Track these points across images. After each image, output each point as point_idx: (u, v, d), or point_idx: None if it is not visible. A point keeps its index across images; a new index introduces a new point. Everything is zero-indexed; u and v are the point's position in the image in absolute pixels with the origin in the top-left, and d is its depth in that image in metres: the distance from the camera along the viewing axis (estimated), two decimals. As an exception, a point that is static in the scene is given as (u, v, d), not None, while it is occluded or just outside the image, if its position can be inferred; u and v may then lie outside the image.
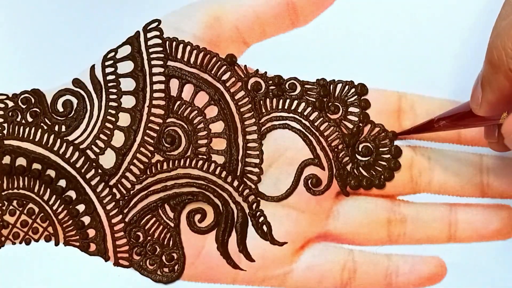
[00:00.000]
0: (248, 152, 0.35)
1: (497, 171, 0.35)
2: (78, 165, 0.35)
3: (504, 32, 0.24)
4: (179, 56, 0.35)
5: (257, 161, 0.35)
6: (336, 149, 0.36)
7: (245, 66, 0.36)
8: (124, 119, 0.35)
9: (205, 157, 0.35)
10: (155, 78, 0.35)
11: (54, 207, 0.35)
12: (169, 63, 0.35)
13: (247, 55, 0.36)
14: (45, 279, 0.35)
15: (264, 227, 0.35)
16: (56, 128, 0.35)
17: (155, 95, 0.35)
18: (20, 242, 0.35)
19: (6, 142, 0.34)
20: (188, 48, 0.35)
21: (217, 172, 0.35)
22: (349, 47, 0.36)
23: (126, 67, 0.35)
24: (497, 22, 0.25)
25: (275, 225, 0.35)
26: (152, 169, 0.35)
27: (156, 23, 0.35)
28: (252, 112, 0.36)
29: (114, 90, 0.35)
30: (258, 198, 0.35)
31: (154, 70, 0.35)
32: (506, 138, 0.25)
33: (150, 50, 0.35)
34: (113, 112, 0.35)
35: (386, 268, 0.35)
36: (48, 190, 0.35)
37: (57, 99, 0.35)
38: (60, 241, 0.35)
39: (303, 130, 0.36)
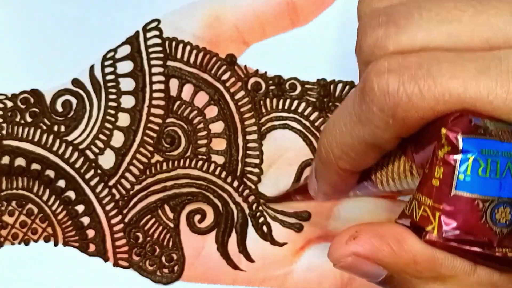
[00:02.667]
0: (248, 152, 0.35)
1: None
2: (77, 166, 0.35)
3: (328, 130, 0.24)
4: (178, 56, 0.35)
5: (257, 161, 0.35)
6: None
7: (245, 66, 0.36)
8: (124, 119, 0.35)
9: (205, 157, 0.35)
10: (154, 78, 0.35)
11: (53, 208, 0.35)
12: (169, 63, 0.35)
13: (247, 55, 0.36)
14: (44, 280, 0.35)
15: (264, 228, 0.35)
16: (56, 128, 0.35)
17: (155, 95, 0.35)
18: (19, 243, 0.35)
19: (5, 142, 0.34)
20: (188, 48, 0.35)
21: (217, 173, 0.35)
22: (350, 47, 0.36)
23: (125, 67, 0.35)
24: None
25: (275, 225, 0.35)
26: (151, 169, 0.35)
27: (156, 23, 0.35)
28: (252, 112, 0.36)
29: (114, 90, 0.35)
30: (258, 199, 0.35)
31: (154, 70, 0.35)
32: None
33: (150, 50, 0.35)
34: (113, 112, 0.35)
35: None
36: (47, 190, 0.35)
37: (56, 99, 0.35)
38: (59, 242, 0.35)
39: (304, 130, 0.36)
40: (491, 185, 0.21)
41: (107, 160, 0.35)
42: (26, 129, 0.35)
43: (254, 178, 0.35)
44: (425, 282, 0.22)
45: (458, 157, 0.21)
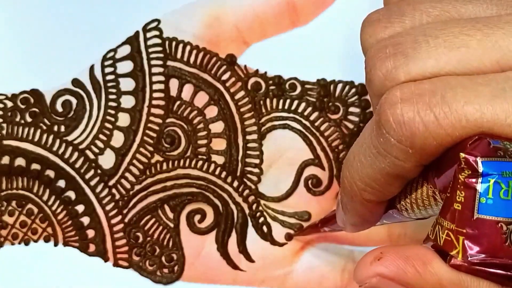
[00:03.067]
0: (248, 152, 0.35)
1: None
2: (77, 166, 0.35)
3: (349, 163, 0.24)
4: (178, 56, 0.35)
5: (257, 161, 0.35)
6: (336, 150, 0.35)
7: (245, 66, 0.36)
8: (124, 119, 0.35)
9: (205, 157, 0.35)
10: (154, 78, 0.35)
11: (53, 208, 0.35)
12: (169, 63, 0.35)
13: (247, 55, 0.36)
14: (44, 280, 0.35)
15: (264, 228, 0.35)
16: (55, 128, 0.35)
17: (155, 95, 0.35)
18: (19, 243, 0.35)
19: (5, 142, 0.34)
20: (188, 48, 0.35)
21: (217, 173, 0.35)
22: (350, 47, 0.36)
23: (125, 67, 0.35)
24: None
25: (275, 225, 0.35)
26: (151, 169, 0.35)
27: (156, 23, 0.35)
28: (252, 112, 0.36)
29: (114, 90, 0.35)
30: (258, 199, 0.35)
31: (154, 70, 0.35)
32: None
33: (150, 50, 0.35)
34: (113, 112, 0.35)
35: (387, 269, 0.35)
36: (47, 190, 0.35)
37: (56, 99, 0.35)
38: (59, 242, 0.35)
39: (303, 130, 0.36)
40: None
41: (107, 160, 0.35)
42: (26, 129, 0.35)
43: (254, 178, 0.35)
44: None
45: (479, 180, 0.20)
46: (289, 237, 0.35)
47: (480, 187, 0.20)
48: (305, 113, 0.36)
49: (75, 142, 0.35)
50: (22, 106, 0.35)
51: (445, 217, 0.21)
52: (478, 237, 0.21)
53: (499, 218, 0.20)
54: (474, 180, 0.21)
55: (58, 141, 0.35)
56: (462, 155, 0.21)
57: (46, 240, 0.35)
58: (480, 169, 0.20)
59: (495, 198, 0.20)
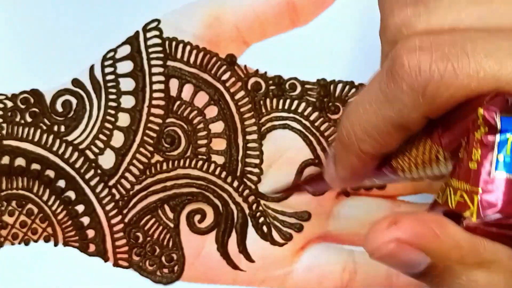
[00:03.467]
0: (248, 152, 0.35)
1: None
2: (77, 166, 0.34)
3: (351, 111, 0.24)
4: (178, 56, 0.35)
5: (257, 161, 0.35)
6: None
7: (245, 66, 0.36)
8: (124, 119, 0.35)
9: (204, 157, 0.35)
10: (154, 78, 0.35)
11: (53, 208, 0.35)
12: (169, 63, 0.35)
13: (247, 55, 0.36)
14: (44, 280, 0.35)
15: (264, 228, 0.35)
16: (55, 128, 0.35)
17: (155, 95, 0.35)
18: (19, 243, 0.35)
19: (5, 142, 0.34)
20: (188, 48, 0.35)
21: (217, 173, 0.35)
22: (349, 47, 0.36)
23: (125, 67, 0.35)
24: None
25: (275, 225, 0.35)
26: (151, 169, 0.35)
27: (156, 23, 0.35)
28: (252, 112, 0.36)
29: (114, 90, 0.35)
30: (258, 199, 0.35)
31: (154, 70, 0.35)
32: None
33: (150, 50, 0.35)
34: (113, 112, 0.35)
35: (387, 269, 0.35)
36: (47, 190, 0.34)
37: (56, 99, 0.35)
38: (59, 242, 0.35)
39: (304, 131, 0.36)
40: None
41: (107, 160, 0.35)
42: (26, 129, 0.35)
43: (254, 178, 0.35)
44: (469, 269, 0.21)
45: (497, 137, 0.20)
46: (285, 237, 0.35)
47: (497, 144, 0.20)
48: (305, 113, 0.36)
49: (75, 142, 0.35)
50: (22, 106, 0.35)
51: (458, 177, 0.21)
52: (494, 196, 0.20)
53: None
54: (492, 137, 0.20)
55: (58, 141, 0.35)
56: (481, 110, 0.20)
57: (46, 240, 0.35)
58: (499, 125, 0.20)
59: None
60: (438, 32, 0.21)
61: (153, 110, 0.35)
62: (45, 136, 0.35)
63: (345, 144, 0.24)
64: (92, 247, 0.35)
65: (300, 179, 0.35)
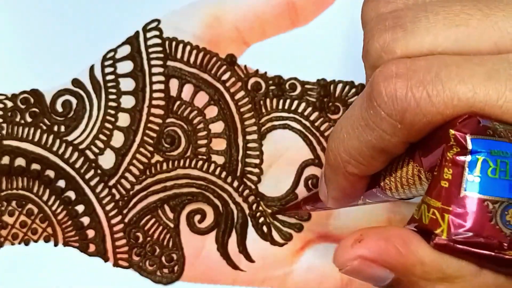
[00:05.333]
0: (248, 152, 0.35)
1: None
2: (77, 166, 0.35)
3: (335, 134, 0.24)
4: (178, 56, 0.35)
5: (257, 161, 0.35)
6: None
7: (245, 66, 0.36)
8: (124, 119, 0.35)
9: (205, 157, 0.35)
10: (154, 78, 0.35)
11: (53, 208, 0.35)
12: (169, 63, 0.35)
13: (247, 55, 0.36)
14: (44, 280, 0.35)
15: (264, 228, 0.35)
16: (55, 128, 0.35)
17: (155, 95, 0.35)
18: (19, 243, 0.35)
19: (5, 142, 0.34)
20: (188, 48, 0.35)
21: (217, 173, 0.35)
22: (349, 47, 0.36)
23: (125, 67, 0.35)
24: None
25: (275, 225, 0.35)
26: (151, 169, 0.35)
27: (156, 23, 0.35)
28: (252, 112, 0.36)
29: (114, 90, 0.35)
30: (258, 199, 0.35)
31: (154, 70, 0.35)
32: None
33: (150, 50, 0.35)
34: (113, 112, 0.35)
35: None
36: (47, 190, 0.35)
37: (56, 99, 0.35)
38: (59, 242, 0.35)
39: (304, 131, 0.36)
40: (501, 186, 0.20)
41: (107, 160, 0.35)
42: (26, 129, 0.35)
43: (254, 178, 0.35)
44: (432, 284, 0.21)
45: (467, 158, 0.20)
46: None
47: (467, 164, 0.20)
48: (305, 113, 0.36)
49: (75, 142, 0.35)
50: (22, 106, 0.35)
51: (431, 195, 0.21)
52: (464, 215, 0.20)
53: (485, 197, 0.20)
54: (462, 157, 0.20)
55: (58, 141, 0.35)
56: (452, 131, 0.21)
57: (46, 240, 0.35)
58: (469, 146, 0.20)
59: (483, 176, 0.20)
60: (416, 56, 0.22)
61: (153, 110, 0.35)
62: (45, 136, 0.35)
63: (333, 167, 0.25)
64: (92, 247, 0.35)
65: (300, 178, 0.35)
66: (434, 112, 0.21)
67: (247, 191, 0.35)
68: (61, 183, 0.35)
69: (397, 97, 0.21)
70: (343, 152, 0.24)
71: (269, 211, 0.35)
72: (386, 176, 0.24)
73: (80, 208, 0.35)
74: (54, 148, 0.35)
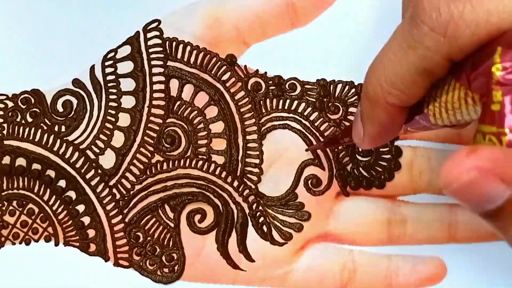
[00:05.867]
0: (248, 152, 0.35)
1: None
2: (78, 165, 0.35)
3: (375, 65, 0.24)
4: (179, 56, 0.35)
5: (257, 161, 0.35)
6: (336, 150, 0.35)
7: (245, 66, 0.36)
8: (124, 119, 0.35)
9: (205, 157, 0.35)
10: (155, 78, 0.35)
11: (54, 208, 0.35)
12: (169, 63, 0.35)
13: (247, 55, 0.36)
14: (45, 280, 0.35)
15: (264, 228, 0.35)
16: (56, 128, 0.35)
17: (155, 95, 0.35)
18: (20, 243, 0.35)
19: (6, 142, 0.34)
20: (188, 48, 0.35)
21: (217, 173, 0.35)
22: (349, 47, 0.36)
23: (126, 67, 0.35)
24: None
25: (275, 225, 0.35)
26: (152, 169, 0.35)
27: (156, 23, 0.35)
28: (252, 112, 0.36)
29: (114, 90, 0.35)
30: (258, 199, 0.35)
31: (154, 70, 0.35)
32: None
33: (150, 50, 0.35)
34: (113, 112, 0.35)
35: (386, 269, 0.35)
36: (48, 190, 0.35)
37: (57, 100, 0.35)
38: (60, 242, 0.35)
39: (303, 131, 0.36)
40: None
41: (107, 160, 0.35)
42: (27, 129, 0.35)
43: (254, 178, 0.35)
44: None
45: None
46: (286, 237, 0.35)
47: None
48: (305, 113, 0.36)
49: (76, 142, 0.35)
50: (23, 106, 0.35)
51: (484, 121, 0.20)
52: None
53: None
54: (509, 76, 0.20)
55: (58, 141, 0.35)
56: (499, 49, 0.20)
57: (47, 240, 0.35)
58: None
59: None
60: None
61: (153, 110, 0.35)
62: (45, 136, 0.35)
63: (372, 99, 0.24)
64: (92, 247, 0.35)
65: (300, 178, 0.35)
66: (478, 22, 0.20)
67: (247, 191, 0.35)
68: (62, 183, 0.35)
69: (440, 10, 0.21)
70: (384, 81, 0.23)
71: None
72: (430, 101, 0.24)
73: (80, 208, 0.35)
74: (55, 148, 0.35)
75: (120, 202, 0.35)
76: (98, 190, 0.35)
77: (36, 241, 0.35)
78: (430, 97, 0.24)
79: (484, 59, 0.21)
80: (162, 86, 0.35)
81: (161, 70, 0.35)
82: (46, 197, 0.35)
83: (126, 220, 0.35)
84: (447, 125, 0.24)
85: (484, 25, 0.20)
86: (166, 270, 0.35)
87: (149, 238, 0.35)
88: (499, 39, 0.20)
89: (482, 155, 0.19)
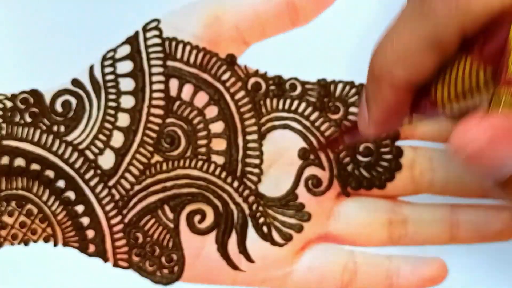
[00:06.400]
0: (248, 152, 0.35)
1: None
2: (77, 166, 0.34)
3: (383, 41, 0.24)
4: (178, 56, 0.35)
5: (257, 161, 0.35)
6: (336, 150, 0.35)
7: (245, 66, 0.36)
8: (123, 119, 0.35)
9: (204, 157, 0.35)
10: (154, 78, 0.35)
11: (53, 208, 0.34)
12: (169, 63, 0.35)
13: (247, 55, 0.36)
14: (44, 280, 0.35)
15: (264, 228, 0.35)
16: (55, 128, 0.35)
17: (155, 95, 0.35)
18: (19, 243, 0.35)
19: (4, 142, 0.34)
20: (188, 48, 0.35)
21: (216, 173, 0.35)
22: (350, 47, 0.36)
23: (125, 67, 0.35)
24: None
25: (275, 226, 0.35)
26: (151, 169, 0.35)
27: (156, 23, 0.35)
28: (252, 112, 0.36)
29: (113, 90, 0.35)
30: (258, 199, 0.35)
31: (154, 70, 0.35)
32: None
33: (150, 50, 0.35)
34: (112, 112, 0.35)
35: (387, 269, 0.35)
36: (47, 190, 0.34)
37: (56, 100, 0.35)
38: (59, 242, 0.35)
39: (304, 131, 0.36)
40: None
41: (106, 160, 0.35)
42: (26, 129, 0.35)
43: (254, 178, 0.35)
44: None
45: None
46: (286, 238, 0.35)
47: None
48: (305, 113, 0.36)
49: (75, 142, 0.35)
50: (22, 106, 0.35)
51: (501, 84, 0.20)
52: None
53: None
54: None
55: (57, 141, 0.35)
56: None
57: (46, 240, 0.35)
58: None
59: None
60: None
61: (153, 110, 0.35)
62: (44, 136, 0.35)
63: (378, 78, 0.24)
64: (92, 248, 0.35)
65: (300, 178, 0.35)
66: None
67: (247, 191, 0.35)
68: (61, 183, 0.34)
69: None
70: (390, 53, 0.23)
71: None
72: (439, 82, 0.23)
73: (79, 208, 0.35)
74: (54, 148, 0.34)
75: (119, 202, 0.35)
76: (97, 190, 0.35)
77: (35, 241, 0.35)
78: (439, 78, 0.23)
79: (498, 30, 0.20)
80: (161, 86, 0.35)
81: (161, 70, 0.35)
82: (45, 198, 0.34)
83: (126, 220, 0.35)
84: (454, 113, 0.23)
85: None
86: (165, 270, 0.35)
87: (148, 239, 0.35)
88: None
89: (496, 120, 0.19)
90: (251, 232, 0.35)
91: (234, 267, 0.35)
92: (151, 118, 0.35)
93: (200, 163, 0.35)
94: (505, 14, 0.20)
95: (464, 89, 0.22)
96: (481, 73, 0.21)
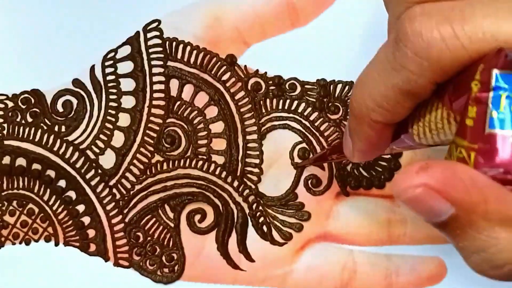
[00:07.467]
0: (248, 152, 0.35)
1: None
2: (78, 166, 0.35)
3: (360, 83, 0.24)
4: (179, 56, 0.35)
5: (257, 161, 0.35)
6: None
7: (245, 66, 0.36)
8: (124, 119, 0.35)
9: (205, 157, 0.35)
10: (155, 78, 0.35)
11: (54, 208, 0.35)
12: (169, 63, 0.35)
13: (247, 55, 0.36)
14: (45, 280, 0.35)
15: (264, 228, 0.35)
16: (56, 128, 0.35)
17: (155, 95, 0.35)
18: (20, 243, 0.35)
19: (6, 142, 0.34)
20: (188, 48, 0.35)
21: (217, 173, 0.35)
22: (349, 47, 0.36)
23: (126, 67, 0.35)
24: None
25: (275, 225, 0.35)
26: (152, 169, 0.35)
27: (156, 23, 0.35)
28: (252, 112, 0.36)
29: (114, 91, 0.35)
30: (258, 199, 0.35)
31: (154, 70, 0.35)
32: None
33: (150, 50, 0.35)
34: (113, 112, 0.35)
35: (386, 269, 0.35)
36: (48, 190, 0.35)
37: (57, 100, 0.35)
38: (60, 242, 0.35)
39: (303, 131, 0.36)
40: None
41: (107, 160, 0.35)
42: (27, 129, 0.35)
43: (254, 178, 0.35)
44: (492, 226, 0.20)
45: (491, 94, 0.20)
46: (286, 237, 0.35)
47: (491, 101, 0.20)
48: (305, 113, 0.36)
49: (76, 142, 0.35)
50: (23, 106, 0.35)
51: (458, 134, 0.21)
52: (489, 152, 0.20)
53: (510, 132, 0.20)
54: (486, 94, 0.20)
55: (58, 141, 0.35)
56: (481, 67, 0.20)
57: (47, 240, 0.35)
58: (493, 82, 0.20)
59: (507, 112, 0.20)
60: (439, 1, 0.22)
61: (153, 110, 0.35)
62: (45, 136, 0.35)
63: (357, 116, 0.25)
64: (92, 247, 0.35)
65: (300, 178, 0.35)
66: (460, 47, 0.21)
67: (247, 191, 0.35)
68: (62, 183, 0.35)
69: (422, 34, 0.21)
70: (368, 99, 0.23)
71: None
72: (414, 121, 0.24)
73: (80, 208, 0.35)
74: (55, 148, 0.35)
75: (120, 202, 0.35)
76: (98, 190, 0.35)
77: (36, 241, 0.35)
78: (415, 116, 0.24)
79: (465, 80, 0.21)
80: (162, 86, 0.35)
81: (161, 70, 0.35)
82: (46, 197, 0.35)
83: (126, 220, 0.35)
84: (431, 145, 0.24)
85: (466, 51, 0.21)
86: (166, 270, 0.35)
87: (149, 238, 0.35)
88: (480, 60, 0.21)
89: (431, 174, 0.20)
90: (251, 231, 0.35)
91: (234, 266, 0.35)
92: (152, 118, 0.35)
93: (200, 163, 0.35)
94: (473, 65, 0.21)
95: (438, 128, 0.23)
96: (451, 119, 0.22)
